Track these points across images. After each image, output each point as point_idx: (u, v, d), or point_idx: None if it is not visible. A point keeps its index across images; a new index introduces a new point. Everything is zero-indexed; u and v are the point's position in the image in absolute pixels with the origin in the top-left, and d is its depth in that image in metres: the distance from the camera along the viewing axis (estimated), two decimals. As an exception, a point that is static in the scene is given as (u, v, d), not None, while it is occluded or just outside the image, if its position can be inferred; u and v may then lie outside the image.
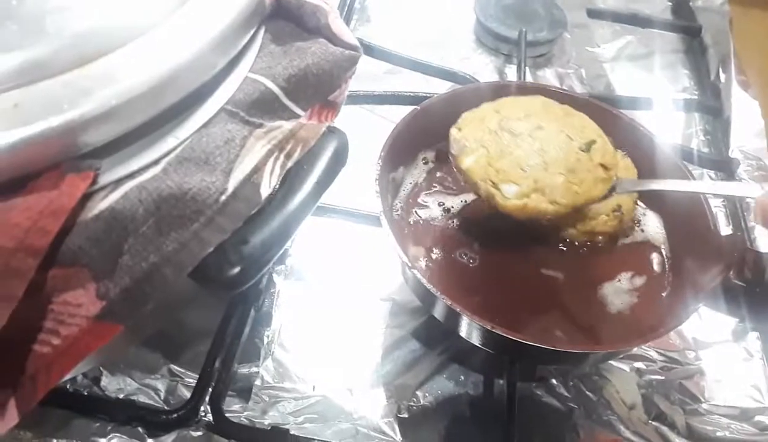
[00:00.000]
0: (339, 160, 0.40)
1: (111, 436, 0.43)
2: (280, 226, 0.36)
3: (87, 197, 0.31)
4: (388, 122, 0.55)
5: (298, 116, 0.40)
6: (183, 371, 0.48)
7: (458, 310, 0.41)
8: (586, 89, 0.77)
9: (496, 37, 0.79)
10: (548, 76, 0.78)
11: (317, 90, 0.41)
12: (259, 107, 0.38)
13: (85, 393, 0.45)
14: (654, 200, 0.54)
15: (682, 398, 0.51)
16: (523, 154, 0.47)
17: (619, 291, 0.49)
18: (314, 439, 0.44)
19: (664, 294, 0.49)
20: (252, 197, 0.35)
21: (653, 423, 0.50)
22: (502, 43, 0.79)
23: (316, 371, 0.50)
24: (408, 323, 0.53)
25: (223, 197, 0.34)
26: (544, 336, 0.46)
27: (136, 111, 0.33)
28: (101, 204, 0.32)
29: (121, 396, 0.46)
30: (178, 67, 0.34)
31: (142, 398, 0.46)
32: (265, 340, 0.51)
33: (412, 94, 0.64)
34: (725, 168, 0.65)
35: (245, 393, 0.48)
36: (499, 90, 0.58)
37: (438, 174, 0.55)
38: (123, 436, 0.43)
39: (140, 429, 0.43)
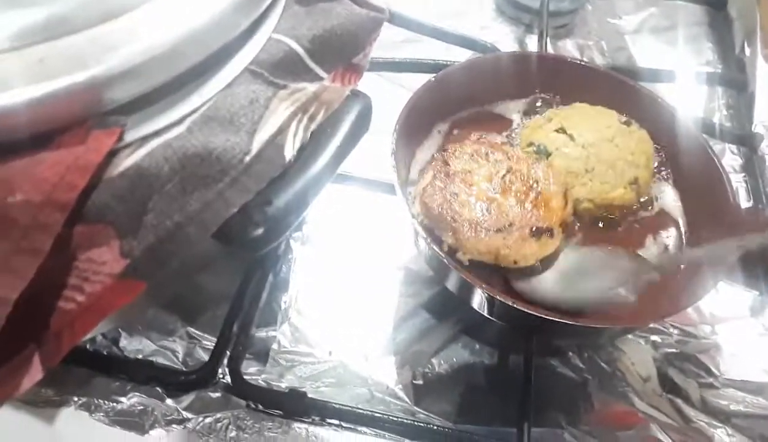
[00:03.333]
0: (362, 124, 0.39)
1: (131, 395, 0.43)
2: (303, 188, 0.36)
3: (113, 154, 0.31)
4: (407, 91, 0.54)
5: (321, 79, 0.40)
6: (201, 333, 0.49)
7: (477, 286, 0.41)
8: (606, 61, 0.75)
9: (516, 6, 0.77)
10: (569, 48, 0.77)
11: (341, 52, 0.40)
12: (283, 68, 0.38)
13: (105, 353, 0.46)
14: (671, 172, 0.54)
15: (697, 372, 0.51)
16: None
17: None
18: (331, 402, 0.45)
19: (681, 268, 0.49)
20: (276, 159, 0.35)
21: (668, 396, 0.50)
22: (523, 13, 0.78)
23: (332, 337, 0.50)
24: (422, 292, 0.53)
25: (248, 158, 0.34)
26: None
27: (160, 69, 0.33)
28: (127, 161, 0.32)
29: (140, 357, 0.46)
30: (202, 26, 0.34)
31: (160, 359, 0.47)
32: (283, 305, 0.51)
33: (432, 62, 0.63)
34: (748, 142, 0.64)
35: (262, 356, 0.48)
36: (519, 60, 0.57)
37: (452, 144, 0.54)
38: (143, 395, 0.43)
39: (159, 389, 0.44)
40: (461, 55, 0.69)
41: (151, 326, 0.48)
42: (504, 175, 0.48)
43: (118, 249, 0.33)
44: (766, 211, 0.45)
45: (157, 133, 0.33)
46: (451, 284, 0.46)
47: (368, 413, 0.45)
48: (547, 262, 0.45)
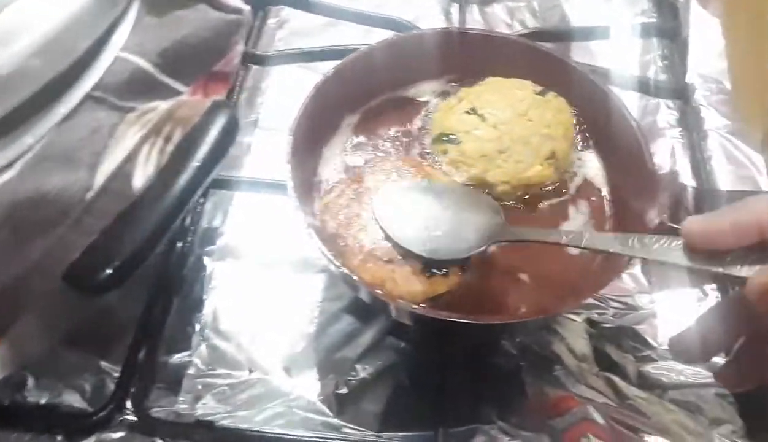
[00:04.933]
0: (227, 136, 0.37)
1: (29, 446, 0.42)
2: (160, 216, 0.33)
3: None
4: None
5: (179, 93, 0.37)
6: (111, 366, 0.47)
7: (379, 295, 0.40)
8: (538, 23, 0.72)
9: (439, -26, 0.74)
10: (498, 12, 0.73)
11: (198, 62, 0.37)
12: (132, 89, 0.35)
13: (5, 402, 0.44)
14: (593, 139, 0.51)
15: (635, 345, 0.49)
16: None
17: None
18: (242, 429, 0.43)
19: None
20: (124, 191, 0.33)
21: (605, 374, 0.48)
22: (446, -19, 0.74)
23: (253, 354, 0.48)
24: (345, 295, 0.51)
25: (90, 195, 0.32)
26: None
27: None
28: (-53, 217, 0.29)
29: (43, 401, 0.44)
30: (30, 53, 0.31)
31: (67, 401, 0.45)
32: (197, 326, 0.49)
33: (348, 48, 0.60)
34: (682, 95, 0.61)
35: (175, 384, 0.46)
36: (426, 39, 0.54)
37: (362, 140, 0.52)
38: (42, 445, 0.42)
39: (58, 437, 0.42)
40: (383, 36, 0.65)
41: (60, 365, 0.46)
42: None
43: (-40, 309, 0.31)
44: (679, 176, 0.42)
45: (-19, 182, 0.30)
46: (364, 295, 0.44)
47: (283, 436, 0.43)
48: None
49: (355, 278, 0.40)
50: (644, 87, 0.62)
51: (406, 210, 0.44)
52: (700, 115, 0.59)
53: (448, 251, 0.43)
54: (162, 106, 0.35)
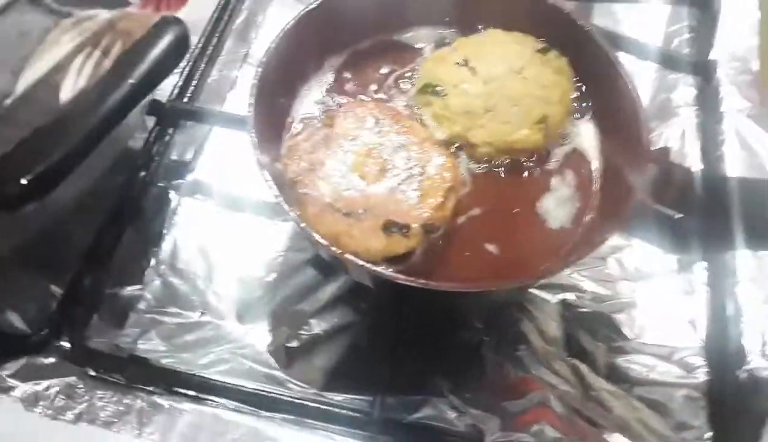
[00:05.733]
0: (174, 56, 0.34)
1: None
2: (83, 134, 0.31)
3: None
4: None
5: (128, 4, 0.34)
6: (60, 291, 0.45)
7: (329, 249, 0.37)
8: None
9: None
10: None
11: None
12: (73, -7, 0.32)
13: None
14: (593, 107, 0.47)
15: (609, 335, 0.46)
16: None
17: (555, 205, 0.44)
18: (178, 370, 0.41)
19: (587, 218, 0.43)
20: (48, 101, 0.30)
21: (572, 360, 0.45)
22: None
23: (207, 296, 0.47)
24: (309, 248, 0.48)
25: (8, 101, 0.29)
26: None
27: None
28: None
29: (-21, 318, 0.43)
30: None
31: (6, 321, 0.43)
32: (153, 261, 0.47)
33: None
34: (703, 72, 0.56)
35: (120, 317, 0.44)
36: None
37: (344, 82, 0.48)
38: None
39: (-12, 356, 0.41)
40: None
41: (5, 285, 0.45)
42: (390, 153, 0.42)
43: None
44: (670, 153, 0.38)
45: None
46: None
47: (219, 382, 0.41)
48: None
49: (308, 229, 0.37)
50: (664, 59, 0.57)
51: None
52: (719, 95, 0.54)
53: None
54: (103, 15, 0.32)
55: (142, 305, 0.46)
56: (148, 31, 0.33)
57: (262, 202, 0.50)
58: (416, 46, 0.51)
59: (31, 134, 0.30)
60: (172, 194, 0.50)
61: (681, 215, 0.36)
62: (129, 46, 0.32)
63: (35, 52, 0.30)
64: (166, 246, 0.48)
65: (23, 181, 0.29)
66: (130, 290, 0.46)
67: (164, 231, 0.49)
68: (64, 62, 0.31)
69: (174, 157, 0.52)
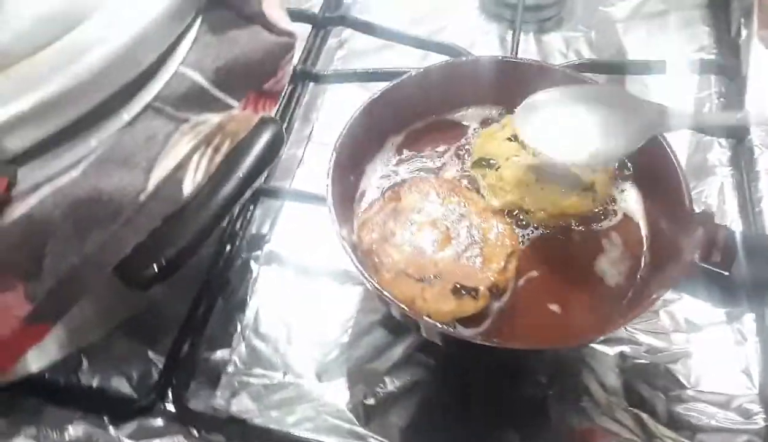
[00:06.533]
0: (272, 151, 0.39)
1: (78, 424, 0.45)
2: (205, 221, 0.36)
3: (4, 203, 0.33)
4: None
5: (231, 107, 0.40)
6: (158, 357, 0.50)
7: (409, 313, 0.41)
8: (594, 54, 0.72)
9: (498, 2, 0.75)
10: (553, 42, 0.74)
11: (249, 79, 0.40)
12: (188, 101, 0.38)
13: (61, 381, 0.47)
14: (634, 172, 0.51)
15: (666, 384, 0.48)
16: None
17: (609, 264, 0.48)
18: (272, 429, 0.45)
19: (639, 276, 0.46)
20: (174, 195, 0.36)
21: (632, 410, 0.47)
22: (505, 9, 0.75)
23: (287, 357, 0.51)
24: (380, 308, 0.52)
25: (143, 197, 0.35)
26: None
27: (54, 116, 0.34)
28: (18, 210, 0.33)
29: (94, 384, 0.48)
30: (102, 66, 0.35)
31: (115, 386, 0.48)
32: (239, 326, 0.52)
33: (395, 70, 0.62)
34: (735, 134, 0.60)
35: (213, 380, 0.49)
36: (476, 66, 0.56)
37: (404, 159, 0.54)
38: (88, 424, 0.45)
39: (105, 418, 0.45)
40: (437, 60, 0.67)
41: (112, 351, 0.50)
42: (452, 222, 0.46)
43: (23, 293, 0.34)
44: (713, 216, 0.42)
45: (50, 179, 0.34)
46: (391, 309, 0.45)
47: (310, 439, 0.45)
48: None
49: (386, 293, 0.42)
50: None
51: (552, 120, 0.46)
52: (753, 155, 0.57)
53: (605, 154, 0.45)
54: (214, 119, 0.38)
55: (231, 368, 0.50)
56: (250, 131, 0.38)
57: (333, 268, 0.55)
58: (465, 123, 0.56)
59: (161, 225, 0.35)
60: (252, 264, 0.55)
61: (728, 273, 0.39)
62: (235, 144, 0.38)
63: (162, 154, 0.35)
64: (249, 312, 0.53)
65: (155, 267, 0.34)
66: (220, 353, 0.51)
67: (248, 298, 0.53)
68: (184, 161, 0.36)
69: (253, 230, 0.57)
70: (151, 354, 0.50)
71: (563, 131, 0.47)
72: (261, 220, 0.58)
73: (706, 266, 0.39)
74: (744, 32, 0.67)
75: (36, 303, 0.34)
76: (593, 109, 0.47)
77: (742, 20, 0.69)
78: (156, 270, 0.34)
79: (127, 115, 0.36)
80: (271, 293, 0.54)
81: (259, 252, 0.56)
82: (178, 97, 0.38)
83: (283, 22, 0.41)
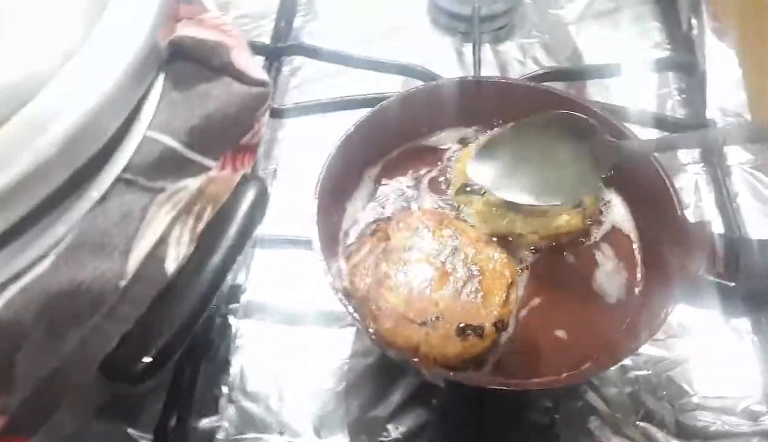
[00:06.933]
0: (258, 210, 0.36)
1: None
2: (195, 299, 0.33)
3: (-36, 312, 0.29)
4: (335, 133, 0.51)
5: (208, 168, 0.36)
6: (140, 434, 0.46)
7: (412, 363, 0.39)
8: (551, 59, 0.72)
9: (451, 16, 0.74)
10: (510, 50, 0.73)
11: (225, 137, 0.37)
12: (161, 168, 0.35)
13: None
14: (620, 185, 0.50)
15: (671, 393, 0.48)
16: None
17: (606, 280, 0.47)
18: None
19: (637, 290, 0.46)
20: (157, 276, 0.32)
21: (641, 424, 0.47)
22: (458, 22, 0.74)
23: (282, 415, 0.48)
24: (373, 350, 0.50)
25: (123, 283, 0.31)
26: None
27: (17, 202, 0.30)
28: (-18, 316, 0.29)
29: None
30: (65, 140, 0.31)
31: (97, 473, 0.44)
32: (224, 389, 0.49)
33: (357, 98, 0.60)
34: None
35: (207, 451, 0.45)
36: (443, 89, 0.54)
37: (384, 191, 0.52)
38: None
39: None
40: (396, 81, 0.65)
41: (87, 433, 0.45)
42: (447, 257, 0.44)
43: (-5, 407, 0.30)
44: (710, 226, 0.41)
45: (16, 277, 0.30)
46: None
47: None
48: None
49: (392, 351, 0.40)
50: (663, 123, 0.61)
51: (505, 163, 0.46)
52: (723, 150, 0.58)
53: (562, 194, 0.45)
54: (192, 184, 0.35)
55: (221, 435, 0.47)
56: (232, 193, 0.35)
57: (317, 311, 0.52)
58: (441, 147, 0.55)
59: (146, 311, 0.31)
60: (231, 319, 0.52)
61: (733, 284, 0.39)
62: (218, 209, 0.35)
63: (139, 231, 0.32)
64: (234, 371, 0.50)
65: (147, 359, 0.31)
66: (207, 422, 0.47)
67: (230, 357, 0.50)
68: (164, 235, 0.32)
69: (228, 282, 0.54)
70: (130, 431, 0.46)
71: (520, 174, 0.46)
72: (234, 270, 0.55)
73: (712, 278, 0.39)
74: (695, 24, 0.68)
75: (8, 415, 0.30)
76: (550, 146, 0.46)
77: (692, 13, 0.69)
78: (148, 362, 0.31)
79: (96, 192, 0.32)
80: (254, 348, 0.51)
81: (236, 305, 0.53)
82: (150, 165, 0.34)
83: (254, 69, 0.38)
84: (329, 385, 0.49)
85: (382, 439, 0.46)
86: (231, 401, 0.48)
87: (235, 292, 0.54)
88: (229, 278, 0.54)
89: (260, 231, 0.56)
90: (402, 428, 0.47)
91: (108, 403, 0.41)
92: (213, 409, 0.48)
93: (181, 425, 0.45)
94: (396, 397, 0.48)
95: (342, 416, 0.48)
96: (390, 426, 0.47)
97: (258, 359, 0.50)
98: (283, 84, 0.68)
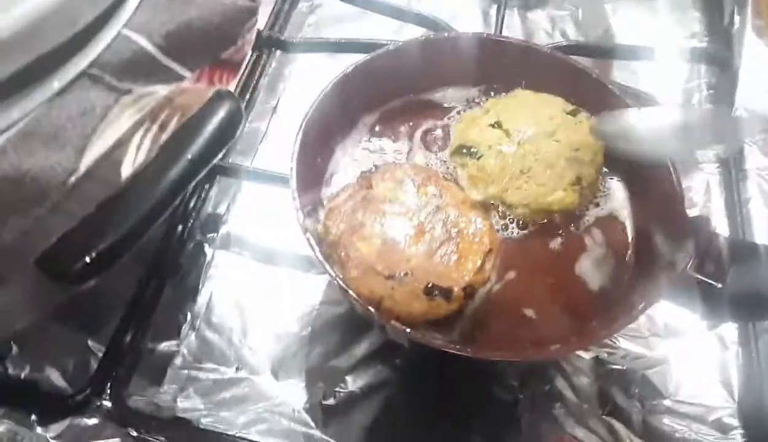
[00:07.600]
0: (228, 130, 0.35)
1: (1, 422, 0.40)
2: (146, 208, 0.32)
3: None
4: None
5: (182, 77, 0.35)
6: (98, 346, 0.45)
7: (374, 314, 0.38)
8: (581, 35, 0.68)
9: (483, -25, 0.70)
10: (539, 19, 0.70)
11: (205, 48, 0.35)
12: (131, 70, 0.33)
13: (-17, 373, 0.43)
14: (622, 168, 0.48)
15: (643, 392, 0.46)
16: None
17: (592, 266, 0.45)
18: (219, 432, 0.41)
19: (622, 281, 0.43)
20: (110, 178, 0.31)
21: (606, 418, 0.45)
22: (490, -18, 0.70)
23: (243, 351, 0.47)
24: (344, 302, 0.49)
25: (73, 179, 0.30)
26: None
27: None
28: None
29: (23, 375, 0.43)
30: (29, 21, 0.29)
31: (47, 378, 0.43)
32: (189, 315, 0.48)
33: (370, 42, 0.58)
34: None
35: (159, 374, 0.45)
36: (457, 43, 0.51)
37: (378, 141, 0.49)
38: (12, 422, 0.40)
39: (33, 416, 0.41)
40: (415, 33, 0.63)
41: (46, 338, 0.45)
42: (427, 215, 0.43)
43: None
44: (709, 223, 0.39)
45: (-37, 155, 0.29)
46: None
47: (260, 444, 0.41)
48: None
49: (352, 293, 0.38)
50: (686, 116, 0.58)
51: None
52: (742, 153, 0.55)
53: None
54: (161, 91, 0.33)
55: (178, 361, 0.46)
56: (202, 107, 0.34)
57: (296, 254, 0.51)
58: (445, 105, 0.52)
59: (93, 211, 0.30)
60: (206, 248, 0.51)
61: (721, 286, 0.36)
62: (184, 121, 0.33)
63: (97, 130, 0.31)
64: (201, 300, 0.49)
65: (87, 259, 0.29)
66: (166, 345, 0.46)
67: (200, 285, 0.49)
68: (124, 138, 0.31)
69: (209, 210, 0.53)
70: (90, 343, 0.46)
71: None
72: (217, 199, 0.54)
73: (699, 276, 0.36)
74: (737, 20, 0.64)
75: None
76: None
77: (736, 7, 0.65)
78: (87, 263, 0.30)
79: (57, 82, 0.31)
80: (226, 280, 0.50)
81: (214, 234, 0.52)
82: (120, 65, 0.32)
83: (245, -19, 0.36)
84: (294, 329, 0.48)
85: (339, 389, 0.45)
86: (193, 328, 0.47)
87: (215, 221, 0.52)
88: (210, 205, 0.53)
89: (253, 162, 0.56)
90: (360, 382, 0.45)
91: (64, 307, 0.41)
92: (174, 334, 0.47)
93: (137, 342, 0.44)
94: (359, 350, 0.47)
95: (302, 361, 0.47)
96: (349, 378, 0.46)
97: (228, 291, 0.49)
98: (298, 19, 0.66)
